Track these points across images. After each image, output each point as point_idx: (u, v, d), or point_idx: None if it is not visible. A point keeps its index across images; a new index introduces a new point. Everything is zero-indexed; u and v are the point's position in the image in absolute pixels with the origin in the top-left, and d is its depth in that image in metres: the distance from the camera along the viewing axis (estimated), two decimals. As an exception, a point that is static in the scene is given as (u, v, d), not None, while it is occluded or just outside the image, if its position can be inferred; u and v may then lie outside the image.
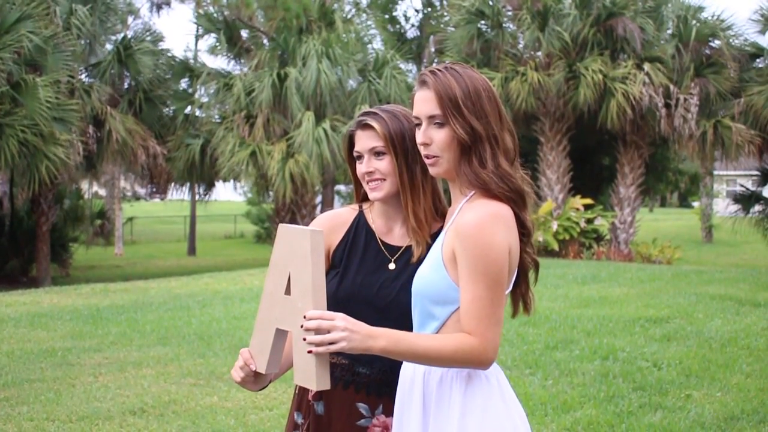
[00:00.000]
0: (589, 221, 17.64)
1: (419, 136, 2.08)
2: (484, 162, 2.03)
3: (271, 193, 19.33)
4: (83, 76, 18.22)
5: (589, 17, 18.01)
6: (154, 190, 29.62)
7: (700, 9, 18.85)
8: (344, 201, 29.02)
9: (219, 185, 22.31)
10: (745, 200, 18.94)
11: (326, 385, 1.95)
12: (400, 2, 32.03)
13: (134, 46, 17.97)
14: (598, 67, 17.47)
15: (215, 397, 5.72)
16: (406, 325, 2.09)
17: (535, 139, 19.37)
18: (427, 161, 2.10)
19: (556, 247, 16.78)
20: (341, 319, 1.90)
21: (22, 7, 15.34)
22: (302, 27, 18.74)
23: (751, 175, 21.16)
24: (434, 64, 2.29)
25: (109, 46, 19.31)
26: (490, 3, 18.69)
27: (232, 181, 21.41)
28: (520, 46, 18.94)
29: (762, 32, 18.36)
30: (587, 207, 17.88)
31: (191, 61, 21.84)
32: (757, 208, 18.80)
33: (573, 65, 17.84)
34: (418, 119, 2.08)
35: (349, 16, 20.22)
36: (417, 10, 31.76)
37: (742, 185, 20.88)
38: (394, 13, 31.12)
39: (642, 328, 7.72)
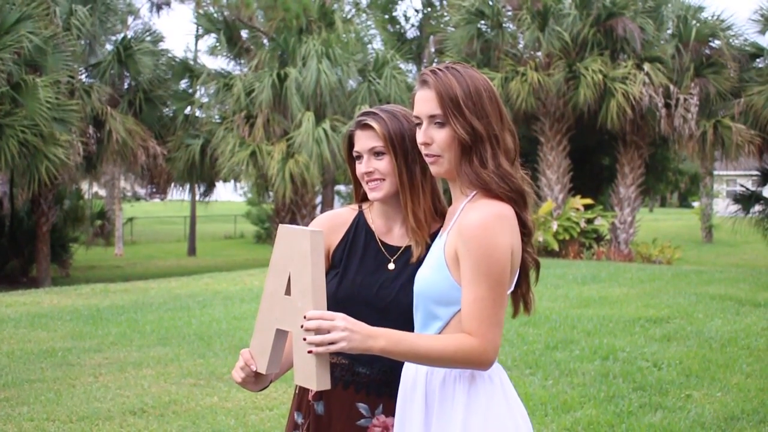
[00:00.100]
0: (589, 221, 17.64)
1: (420, 136, 2.08)
2: (484, 162, 2.03)
3: (271, 193, 19.33)
4: (83, 77, 18.22)
5: (589, 17, 18.01)
6: (154, 190, 29.59)
7: (700, 9, 18.86)
8: (344, 201, 29.02)
9: (219, 185, 22.31)
10: (745, 200, 18.93)
11: (326, 385, 1.95)
12: (400, 2, 32.05)
13: (134, 46, 17.97)
14: (598, 67, 17.47)
15: (215, 398, 5.73)
16: (405, 325, 2.09)
17: (535, 139, 19.38)
18: (427, 161, 2.10)
19: (556, 247, 16.78)
20: (341, 319, 1.90)
21: (22, 8, 15.33)
22: (302, 27, 18.74)
23: (751, 175, 21.16)
24: (435, 64, 2.28)
25: (109, 47, 19.31)
26: (490, 3, 18.69)
27: (232, 181, 21.41)
28: (520, 46, 18.94)
29: (762, 32, 18.36)
30: (587, 207, 17.88)
31: (191, 61, 21.85)
32: (757, 208, 18.80)
33: (573, 65, 17.85)
34: (419, 119, 2.08)
35: (349, 17, 20.22)
36: (417, 10, 31.78)
37: (742, 185, 20.88)
38: (394, 13, 31.13)
39: (642, 328, 7.72)
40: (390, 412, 2.27)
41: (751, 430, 4.88)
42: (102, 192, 33.93)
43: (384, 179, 2.28)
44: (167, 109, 19.52)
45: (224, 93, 18.37)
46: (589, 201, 17.99)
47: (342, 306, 2.12)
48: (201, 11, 22.06)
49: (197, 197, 23.87)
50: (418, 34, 30.28)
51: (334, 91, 17.88)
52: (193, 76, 19.47)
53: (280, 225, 2.04)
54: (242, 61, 20.05)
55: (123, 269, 23.35)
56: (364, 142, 2.29)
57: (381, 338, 1.92)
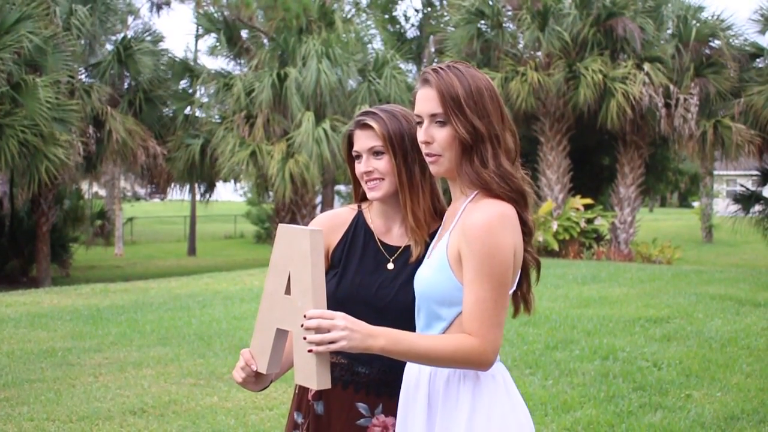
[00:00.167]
0: (589, 221, 17.64)
1: (421, 135, 2.08)
2: (485, 162, 2.03)
3: (271, 193, 19.32)
4: (83, 77, 18.22)
5: (589, 17, 18.01)
6: (154, 190, 29.60)
7: (700, 9, 18.86)
8: (344, 201, 29.02)
9: (219, 185, 22.31)
10: (745, 200, 18.93)
11: (327, 384, 1.95)
12: (400, 2, 32.07)
13: (134, 46, 17.96)
14: (598, 67, 17.47)
15: (215, 397, 5.73)
16: (404, 324, 2.09)
17: (535, 139, 19.37)
18: (427, 160, 2.10)
19: (556, 247, 16.78)
20: (341, 318, 1.90)
21: (22, 8, 15.33)
22: (302, 27, 18.74)
23: (751, 175, 21.17)
24: (437, 63, 2.28)
25: (109, 47, 19.32)
26: (490, 3, 18.69)
27: (232, 181, 21.41)
28: (520, 46, 18.94)
29: (762, 32, 18.36)
30: (587, 207, 17.89)
31: (191, 61, 21.84)
32: (757, 208, 18.80)
33: (573, 65, 17.84)
34: (420, 117, 2.08)
35: (349, 16, 20.22)
36: (417, 10, 31.81)
37: (742, 185, 20.88)
38: (394, 13, 31.13)
39: (642, 328, 7.72)
40: (390, 411, 2.27)
41: (751, 430, 4.88)
42: (102, 192, 33.92)
43: (383, 179, 2.27)
44: (167, 109, 19.52)
45: (224, 93, 18.37)
46: (589, 201, 18.00)
47: (341, 306, 2.12)
48: (201, 11, 22.05)
49: (197, 197, 23.86)
50: (418, 33, 30.29)
51: (334, 91, 17.88)
52: (193, 76, 19.48)
53: (279, 224, 2.04)
54: (242, 61, 20.06)
55: (123, 269, 23.35)
56: (363, 141, 2.29)
57: (381, 337, 1.92)
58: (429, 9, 30.47)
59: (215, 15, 20.47)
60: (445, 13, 25.32)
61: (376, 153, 2.28)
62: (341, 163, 16.93)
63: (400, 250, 2.34)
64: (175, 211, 41.00)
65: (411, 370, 2.14)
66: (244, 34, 20.02)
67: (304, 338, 1.92)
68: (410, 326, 2.08)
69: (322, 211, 20.31)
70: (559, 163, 18.94)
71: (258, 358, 2.10)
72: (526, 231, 2.07)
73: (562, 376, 6.03)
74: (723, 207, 25.01)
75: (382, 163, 2.27)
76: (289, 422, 2.42)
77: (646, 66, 17.52)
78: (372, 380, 2.29)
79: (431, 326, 2.07)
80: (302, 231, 1.97)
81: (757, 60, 18.53)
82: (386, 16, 29.90)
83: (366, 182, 2.30)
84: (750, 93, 17.38)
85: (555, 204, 18.19)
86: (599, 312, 8.56)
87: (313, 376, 1.93)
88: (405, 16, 31.87)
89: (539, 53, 18.55)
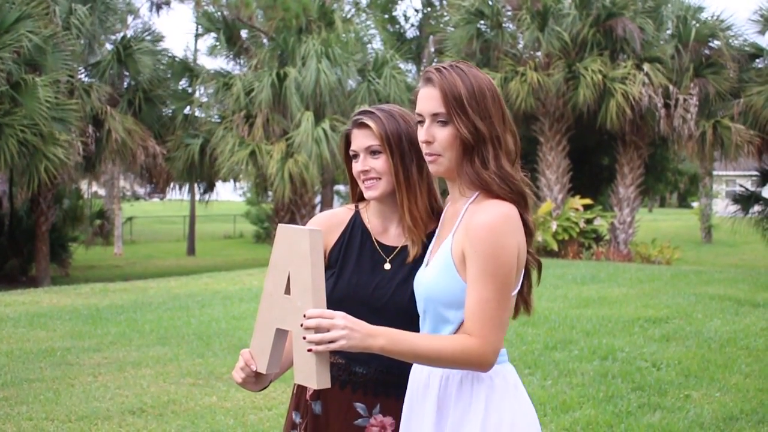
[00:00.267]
0: (589, 221, 17.65)
1: (422, 134, 2.07)
2: (486, 162, 2.03)
3: (270, 193, 19.32)
4: (83, 76, 18.21)
5: (589, 17, 18.01)
6: (154, 190, 29.60)
7: (700, 9, 18.85)
8: (343, 201, 29.02)
9: (218, 185, 22.32)
10: (745, 200, 18.93)
11: (327, 384, 1.95)
12: (399, 2, 32.07)
13: (134, 45, 17.96)
14: (598, 67, 17.48)
15: (214, 397, 5.73)
16: (401, 325, 2.09)
17: (535, 139, 19.37)
18: (427, 159, 2.09)
19: (555, 247, 16.78)
20: (341, 318, 1.90)
21: (21, 7, 15.32)
22: (302, 27, 18.74)
23: (751, 176, 21.18)
24: (439, 63, 2.27)
25: (108, 46, 19.32)
26: (490, 3, 18.69)
27: (231, 181, 21.41)
28: (520, 46, 18.94)
29: (761, 32, 18.36)
30: (586, 207, 17.89)
31: (191, 61, 21.84)
32: (757, 208, 18.80)
33: (572, 65, 17.85)
34: (422, 116, 2.07)
35: (348, 16, 20.22)
36: (417, 10, 31.83)
37: (741, 185, 20.89)
38: (394, 13, 31.14)
39: (641, 328, 7.72)
40: (387, 411, 2.27)
41: (750, 430, 4.89)
42: (101, 191, 33.90)
43: (380, 178, 2.27)
44: (167, 109, 19.52)
45: (224, 92, 18.37)
46: (588, 201, 18.00)
47: (338, 306, 2.12)
48: (201, 11, 22.06)
49: (196, 197, 23.86)
50: (418, 33, 30.29)
51: (333, 91, 17.88)
52: (193, 75, 19.48)
53: (279, 224, 2.05)
54: (242, 61, 20.06)
55: (122, 269, 23.35)
56: (360, 140, 2.29)
57: (380, 337, 1.91)
58: (429, 9, 30.48)
59: (215, 14, 20.47)
60: (445, 13, 25.32)
61: (373, 152, 2.28)
62: (341, 163, 16.81)
63: (397, 250, 2.33)
64: (175, 211, 41.00)
65: (421, 372, 2.13)
66: (243, 33, 20.03)
67: (304, 338, 1.92)
68: (407, 326, 2.08)
69: (321, 211, 20.31)
70: (559, 163, 18.94)
71: (258, 358, 2.10)
72: (527, 232, 2.06)
73: (561, 377, 6.04)
74: (722, 207, 25.03)
75: (379, 163, 2.27)
76: (287, 422, 2.42)
77: (646, 66, 17.52)
78: (369, 380, 2.28)
79: (438, 330, 2.07)
80: (302, 231, 1.97)
81: (757, 60, 18.54)
82: (386, 16, 29.91)
83: (363, 181, 2.30)
84: (749, 93, 17.38)
85: (554, 204, 18.19)
86: (598, 312, 8.56)
87: (312, 375, 1.93)
88: (405, 16, 31.90)
89: (539, 53, 18.55)
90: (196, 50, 28.44)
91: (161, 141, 18.50)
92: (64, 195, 20.14)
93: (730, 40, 18.31)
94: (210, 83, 18.83)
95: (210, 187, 21.52)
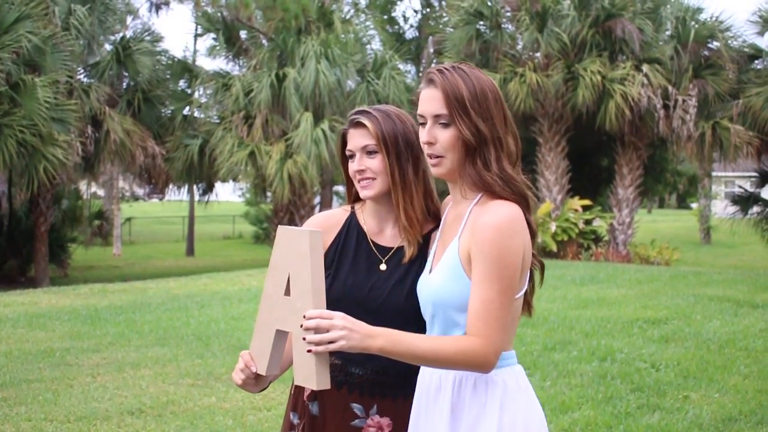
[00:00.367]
0: (588, 222, 17.65)
1: (423, 135, 2.07)
2: (488, 164, 2.03)
3: (269, 193, 19.32)
4: (82, 77, 18.21)
5: (588, 18, 18.02)
6: (153, 190, 29.60)
7: (699, 10, 18.85)
8: (342, 202, 28.95)
9: (218, 186, 22.31)
10: (744, 201, 18.94)
11: (326, 385, 1.95)
12: (398, 3, 32.05)
13: (133, 46, 17.96)
14: (597, 68, 17.48)
15: (213, 398, 5.73)
16: (397, 325, 2.08)
17: (534, 140, 19.37)
18: (429, 161, 2.09)
19: (554, 248, 16.79)
20: (340, 318, 1.90)
21: (20, 7, 15.32)
22: (301, 27, 18.75)
23: (750, 177, 21.16)
24: (440, 63, 2.27)
25: (107, 47, 19.30)
26: (489, 4, 18.69)
27: (230, 181, 21.42)
28: (519, 47, 18.94)
29: (760, 33, 18.38)
30: (585, 208, 17.90)
31: (190, 61, 21.84)
32: (756, 209, 18.80)
33: (572, 66, 17.85)
34: (423, 118, 2.06)
35: (347, 17, 20.21)
36: (416, 11, 31.79)
37: (740, 186, 20.88)
38: (393, 14, 31.14)
39: (640, 329, 7.72)
40: (384, 412, 2.28)
41: (749, 431, 4.89)
42: (100, 192, 33.91)
43: (375, 178, 2.27)
44: (166, 109, 19.51)
45: (223, 93, 18.38)
46: (587, 202, 18.01)
47: (334, 307, 2.12)
48: (200, 11, 22.06)
49: (196, 197, 23.84)
50: (417, 34, 30.29)
51: (332, 92, 17.88)
52: (192, 76, 19.48)
53: (279, 226, 2.05)
54: (241, 62, 20.06)
55: (121, 269, 23.34)
56: (356, 140, 2.29)
57: (379, 338, 1.91)
58: (428, 10, 30.49)
59: (214, 15, 20.47)
60: (444, 14, 25.31)
61: (369, 152, 2.28)
62: (340, 163, 16.92)
63: (392, 250, 2.33)
64: (174, 212, 40.99)
65: (431, 376, 2.12)
66: (242, 34, 20.03)
67: (304, 339, 1.92)
68: (403, 327, 2.07)
69: (320, 211, 20.31)
70: (558, 164, 18.95)
71: (258, 359, 2.10)
72: (530, 233, 2.06)
73: (560, 377, 6.04)
74: (721, 208, 25.03)
75: (375, 162, 2.27)
76: (285, 423, 2.42)
77: (645, 67, 17.53)
78: (366, 381, 2.29)
79: (448, 333, 2.06)
80: (301, 232, 1.98)
81: (756, 61, 18.55)
82: (385, 17, 29.90)
83: (358, 181, 2.30)
84: (748, 94, 17.39)
85: (553, 205, 18.20)
86: (597, 313, 8.56)
87: (312, 376, 1.93)
88: (404, 16, 31.89)
89: (538, 54, 18.55)
90: (195, 51, 28.49)
91: (160, 141, 18.49)
92: (63, 195, 20.14)
93: (729, 41, 18.32)
94: (209, 84, 18.83)
95: (209, 188, 21.52)
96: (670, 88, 17.70)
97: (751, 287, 10.67)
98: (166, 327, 8.40)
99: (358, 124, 2.29)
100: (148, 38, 18.91)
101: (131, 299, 10.72)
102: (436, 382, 2.10)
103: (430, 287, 2.09)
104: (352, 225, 2.39)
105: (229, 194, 36.60)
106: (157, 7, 30.18)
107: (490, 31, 18.72)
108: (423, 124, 2.07)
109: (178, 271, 19.51)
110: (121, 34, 19.75)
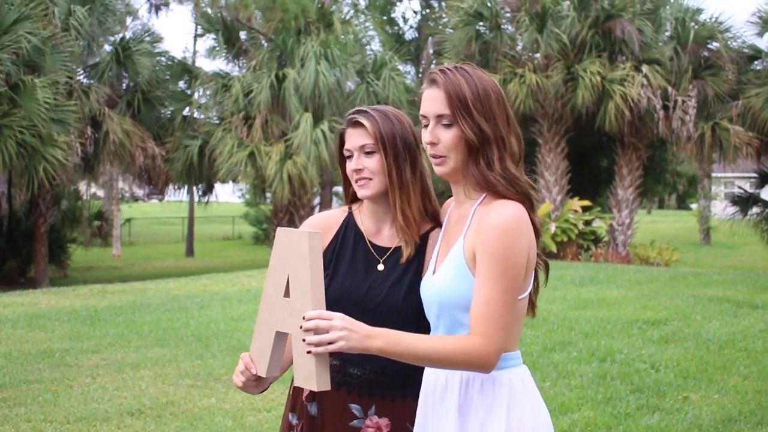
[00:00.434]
0: (587, 223, 17.65)
1: (426, 135, 2.06)
2: (491, 164, 2.03)
3: (269, 194, 19.31)
4: (81, 77, 18.22)
5: (588, 19, 18.02)
6: (153, 191, 29.61)
7: (699, 11, 18.86)
8: (342, 203, 28.95)
9: (217, 186, 22.32)
10: (743, 202, 18.95)
11: (326, 386, 1.95)
12: (398, 4, 32.05)
13: (133, 47, 17.96)
14: (597, 69, 17.48)
15: (213, 399, 5.72)
16: (395, 325, 2.08)
17: (533, 141, 19.37)
18: (432, 161, 2.09)
19: (554, 248, 16.79)
20: (339, 319, 1.89)
21: (20, 8, 15.33)
22: (300, 28, 18.75)
23: (749, 177, 21.17)
24: (442, 64, 2.28)
25: (107, 47, 19.31)
26: (489, 4, 18.69)
27: (230, 182, 21.41)
28: (519, 47, 18.94)
29: (760, 34, 18.38)
30: (585, 209, 17.89)
31: (190, 62, 21.84)
32: (755, 210, 18.81)
33: (571, 67, 17.85)
34: (426, 118, 2.06)
35: (347, 18, 20.22)
36: (415, 12, 31.82)
37: (740, 187, 20.89)
38: (393, 15, 31.13)
39: (640, 329, 7.72)
40: (383, 412, 2.28)
41: (749, 432, 4.89)
42: (100, 193, 33.91)
43: (372, 178, 2.27)
44: (165, 110, 19.52)
45: (222, 94, 18.38)
46: (587, 203, 18.00)
47: (332, 307, 2.12)
48: (199, 12, 22.06)
49: (195, 198, 23.84)
50: (417, 35, 30.29)
51: (332, 93, 17.88)
52: (192, 77, 19.48)
53: (278, 228, 2.05)
54: (241, 62, 20.06)
55: (121, 270, 23.34)
56: (354, 139, 2.30)
57: (379, 338, 1.90)
58: (427, 10, 30.49)
59: (214, 16, 20.46)
60: (444, 15, 25.30)
61: (367, 152, 2.28)
62: (337, 163, 16.90)
63: (390, 251, 2.33)
64: (174, 212, 40.99)
65: (437, 377, 2.11)
66: (242, 35, 20.03)
67: (303, 340, 1.92)
68: (401, 327, 2.07)
69: (320, 212, 20.30)
70: (557, 164, 18.95)
71: (258, 361, 2.10)
72: (535, 232, 2.06)
73: (559, 378, 6.04)
74: (721, 209, 25.03)
75: (373, 162, 2.27)
76: (284, 423, 2.42)
77: (645, 68, 17.53)
78: (364, 381, 2.29)
79: (454, 333, 2.05)
80: (301, 233, 1.98)
81: (755, 62, 18.56)
82: (385, 18, 29.89)
83: (356, 181, 2.30)
84: (748, 95, 17.40)
85: (553, 206, 18.20)
86: (597, 314, 8.56)
87: (312, 377, 1.93)
88: (403, 17, 31.91)
89: (537, 55, 18.55)
90: (195, 51, 28.48)
91: (160, 142, 18.50)
92: (63, 196, 20.14)
93: (729, 42, 18.32)
94: (209, 84, 18.84)
95: (209, 189, 21.52)
96: (669, 88, 17.70)
97: (751, 288, 10.67)
98: (165, 328, 8.39)
99: (356, 124, 2.29)
100: (147, 39, 18.91)
101: (131, 300, 10.72)
102: (443, 383, 2.09)
103: (435, 287, 2.09)
104: (349, 225, 2.39)
105: (228, 195, 36.62)
106: (157, 8, 30.20)
107: (490, 32, 18.72)
108: (425, 125, 2.07)
109: (177, 272, 19.51)
110: (120, 35, 19.77)
